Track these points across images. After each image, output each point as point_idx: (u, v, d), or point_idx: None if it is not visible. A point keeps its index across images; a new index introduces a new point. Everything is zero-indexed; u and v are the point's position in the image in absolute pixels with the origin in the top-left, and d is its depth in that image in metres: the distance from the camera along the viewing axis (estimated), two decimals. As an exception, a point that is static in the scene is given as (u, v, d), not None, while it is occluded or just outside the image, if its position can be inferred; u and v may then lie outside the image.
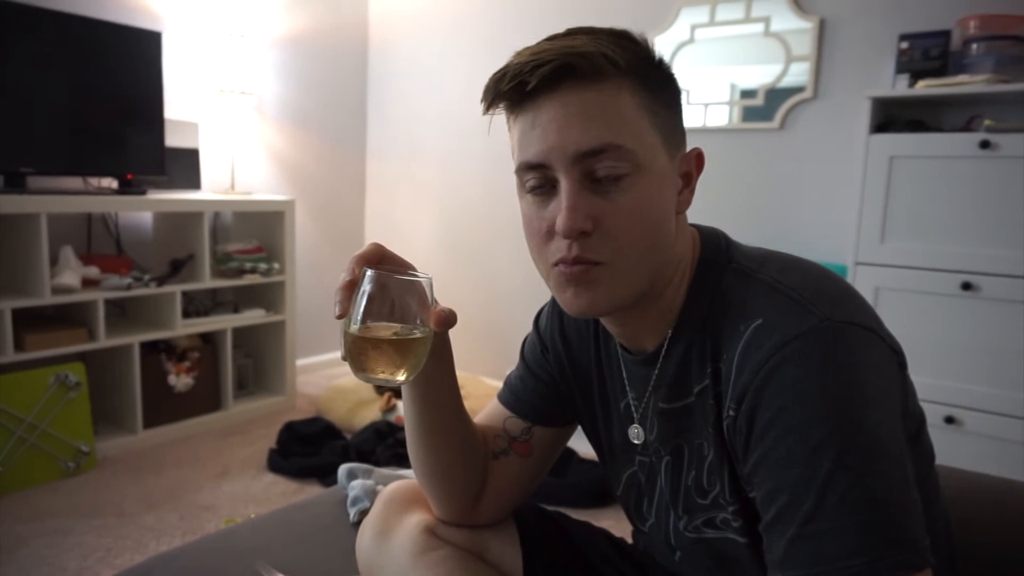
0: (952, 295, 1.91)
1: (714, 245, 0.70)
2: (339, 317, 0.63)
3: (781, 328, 0.58)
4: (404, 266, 0.69)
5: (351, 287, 0.63)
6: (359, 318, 0.62)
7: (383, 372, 0.63)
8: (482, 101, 0.64)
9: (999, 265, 1.85)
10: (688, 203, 0.68)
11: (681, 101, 0.68)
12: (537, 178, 0.63)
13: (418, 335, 0.64)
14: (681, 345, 0.68)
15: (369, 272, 0.62)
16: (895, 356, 0.62)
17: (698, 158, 0.69)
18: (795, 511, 0.53)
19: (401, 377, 0.64)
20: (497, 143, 0.67)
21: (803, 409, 0.54)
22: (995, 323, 1.87)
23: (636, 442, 0.76)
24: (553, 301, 0.87)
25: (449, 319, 0.65)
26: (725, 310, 0.64)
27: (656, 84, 0.63)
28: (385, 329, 0.63)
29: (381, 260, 0.68)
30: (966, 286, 1.89)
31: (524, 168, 0.63)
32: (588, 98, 0.60)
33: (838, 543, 0.51)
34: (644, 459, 0.77)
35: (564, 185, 0.61)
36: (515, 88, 0.61)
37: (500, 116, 0.67)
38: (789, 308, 0.59)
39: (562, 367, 0.85)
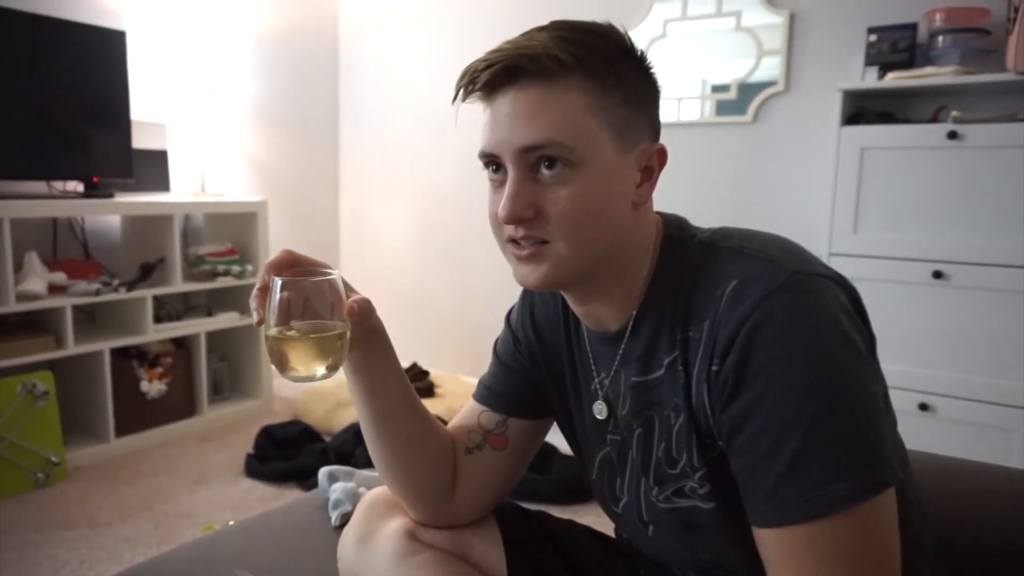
0: (923, 284, 1.94)
1: (677, 225, 0.75)
2: (258, 324, 0.68)
3: (758, 284, 0.62)
4: (316, 266, 0.73)
5: (263, 294, 0.68)
6: (273, 322, 0.67)
7: (303, 369, 0.67)
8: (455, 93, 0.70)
9: (968, 253, 1.88)
10: (647, 195, 0.71)
11: (647, 96, 0.69)
12: (492, 166, 0.69)
13: (334, 331, 0.68)
14: (650, 319, 0.71)
15: (276, 279, 0.67)
16: (852, 295, 0.67)
17: (660, 153, 0.71)
18: (783, 449, 0.58)
19: (321, 371, 0.68)
20: (471, 138, 0.72)
21: (790, 358, 0.59)
22: (965, 310, 1.90)
23: (599, 417, 0.79)
24: (522, 296, 0.90)
25: (361, 309, 0.71)
26: (696, 279, 0.67)
27: (611, 82, 0.66)
28: (300, 328, 0.67)
29: (293, 264, 0.72)
30: (937, 274, 1.92)
31: (481, 155, 0.70)
32: (535, 95, 0.64)
33: (825, 473, 0.57)
34: (615, 437, 0.78)
35: (510, 175, 0.66)
36: (465, 88, 0.67)
37: (468, 109, 0.71)
38: (761, 267, 0.64)
39: (535, 358, 0.86)
